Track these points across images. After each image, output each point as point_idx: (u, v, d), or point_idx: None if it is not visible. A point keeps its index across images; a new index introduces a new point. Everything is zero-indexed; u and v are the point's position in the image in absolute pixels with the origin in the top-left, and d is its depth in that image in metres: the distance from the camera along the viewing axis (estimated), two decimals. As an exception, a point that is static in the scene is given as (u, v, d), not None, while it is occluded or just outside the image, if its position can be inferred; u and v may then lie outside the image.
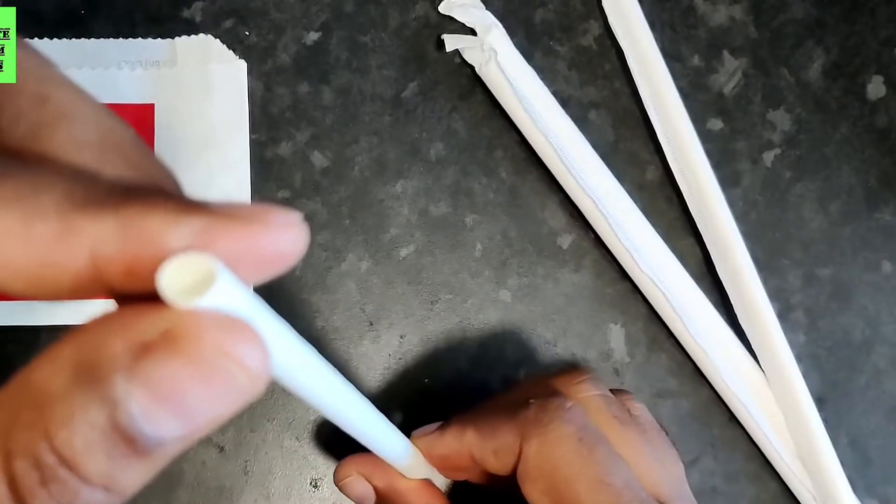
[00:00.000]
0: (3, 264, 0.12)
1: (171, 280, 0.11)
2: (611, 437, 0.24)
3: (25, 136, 0.13)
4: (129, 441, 0.11)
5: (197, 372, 0.11)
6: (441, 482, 0.28)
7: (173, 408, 0.11)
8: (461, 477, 0.28)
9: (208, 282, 0.11)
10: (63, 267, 0.12)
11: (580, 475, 0.23)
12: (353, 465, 0.27)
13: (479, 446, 0.25)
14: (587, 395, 0.26)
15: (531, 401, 0.25)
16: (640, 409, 0.27)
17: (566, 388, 0.26)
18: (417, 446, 0.27)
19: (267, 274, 0.13)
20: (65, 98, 0.14)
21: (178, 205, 0.12)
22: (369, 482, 0.27)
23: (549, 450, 0.23)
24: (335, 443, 0.32)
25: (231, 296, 0.12)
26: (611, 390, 0.28)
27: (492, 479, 0.27)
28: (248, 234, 0.12)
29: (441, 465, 0.27)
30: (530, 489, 0.24)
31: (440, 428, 0.27)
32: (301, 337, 0.16)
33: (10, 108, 0.13)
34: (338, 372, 0.19)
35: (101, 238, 0.12)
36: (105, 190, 0.12)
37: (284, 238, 0.12)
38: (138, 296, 0.12)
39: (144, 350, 0.11)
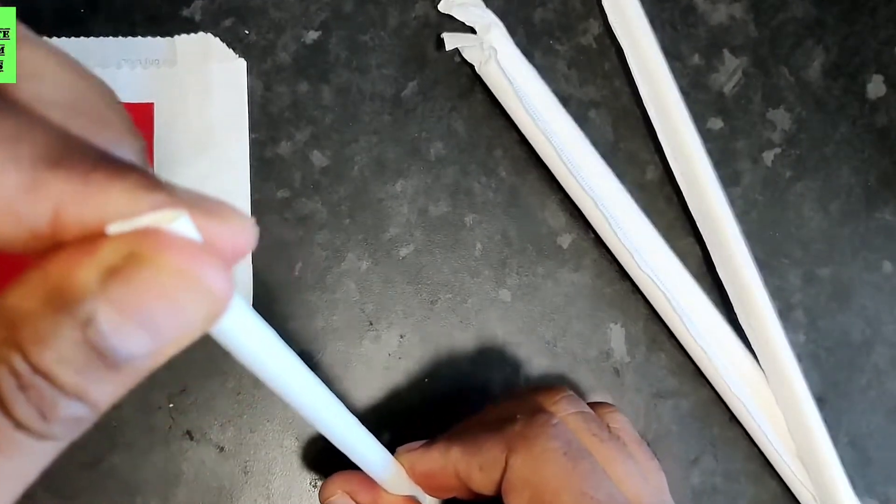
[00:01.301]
0: None
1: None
2: (592, 452, 0.25)
3: None
4: (101, 355, 0.12)
5: (161, 290, 0.12)
6: (428, 500, 0.28)
7: (140, 324, 0.12)
8: (445, 496, 0.28)
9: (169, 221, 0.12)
10: (23, 218, 0.12)
11: (565, 488, 0.23)
12: (337, 483, 0.27)
13: (464, 462, 0.25)
14: (565, 415, 0.26)
15: (518, 416, 0.25)
16: (619, 420, 0.28)
17: (544, 407, 0.26)
18: (402, 463, 0.27)
19: None
20: (36, 58, 0.14)
21: (142, 180, 0.12)
22: (354, 500, 0.27)
23: (535, 463, 0.24)
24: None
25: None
26: (592, 403, 0.28)
27: (476, 496, 0.27)
28: (208, 223, 0.13)
29: (425, 482, 0.27)
30: (516, 500, 0.24)
31: (425, 445, 0.27)
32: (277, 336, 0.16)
33: None
34: (313, 375, 0.19)
35: (65, 198, 0.12)
36: (80, 152, 0.12)
37: (237, 235, 0.13)
38: None
39: (111, 273, 0.12)
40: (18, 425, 0.12)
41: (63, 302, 0.12)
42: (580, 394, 0.33)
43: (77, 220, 0.12)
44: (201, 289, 0.12)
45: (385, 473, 0.26)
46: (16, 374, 0.12)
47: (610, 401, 0.33)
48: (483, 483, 0.25)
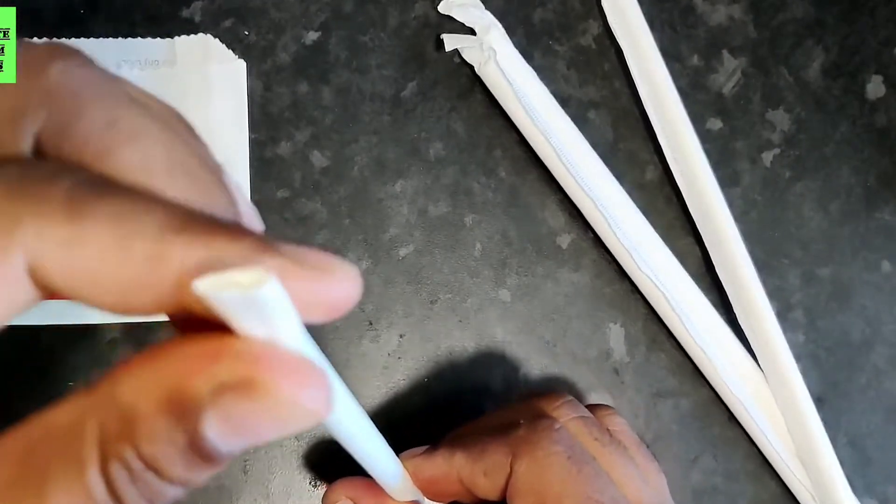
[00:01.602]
0: (96, 280, 0.13)
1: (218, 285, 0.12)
2: (594, 457, 0.25)
3: (94, 158, 0.14)
4: (205, 456, 0.13)
5: (267, 413, 0.13)
6: None
7: (243, 435, 0.13)
8: (448, 500, 0.28)
9: (258, 284, 0.12)
10: (150, 288, 0.13)
11: (569, 493, 0.23)
12: (341, 489, 0.27)
13: (468, 468, 0.25)
14: (567, 420, 0.26)
15: (521, 421, 0.25)
16: (619, 423, 0.28)
17: (545, 412, 0.27)
18: (406, 468, 0.27)
19: (322, 318, 0.14)
20: (134, 120, 0.15)
21: (257, 242, 0.13)
22: None
23: (539, 468, 0.24)
24: (335, 444, 0.32)
25: (279, 300, 0.12)
26: (590, 406, 0.28)
27: (479, 502, 0.27)
28: (315, 279, 0.13)
29: (429, 488, 0.27)
30: None
31: (428, 450, 0.27)
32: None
33: (79, 132, 0.14)
34: (341, 381, 0.19)
35: (189, 265, 0.13)
36: (196, 220, 0.13)
37: (346, 288, 0.14)
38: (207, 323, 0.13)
39: (224, 389, 0.13)
40: None
41: (178, 408, 0.12)
42: (580, 394, 0.33)
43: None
44: (304, 410, 0.13)
45: (394, 481, 0.26)
46: (129, 469, 0.13)
47: (609, 401, 0.33)
48: (487, 489, 0.25)
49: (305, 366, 0.13)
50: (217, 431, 0.13)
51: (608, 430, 0.27)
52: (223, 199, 0.15)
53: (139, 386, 0.13)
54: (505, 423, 0.26)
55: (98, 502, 0.13)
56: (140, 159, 0.14)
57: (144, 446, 0.13)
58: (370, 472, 0.24)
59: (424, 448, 0.27)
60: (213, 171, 0.16)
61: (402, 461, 0.27)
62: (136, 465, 0.13)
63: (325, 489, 0.32)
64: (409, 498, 0.27)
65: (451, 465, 0.26)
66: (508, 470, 0.24)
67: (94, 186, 0.13)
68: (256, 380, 0.13)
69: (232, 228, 0.13)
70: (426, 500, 0.27)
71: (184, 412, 0.13)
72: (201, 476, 0.14)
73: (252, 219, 0.17)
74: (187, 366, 0.13)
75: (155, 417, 0.12)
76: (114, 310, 0.14)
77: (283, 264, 0.13)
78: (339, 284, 0.14)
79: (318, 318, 0.14)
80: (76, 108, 0.14)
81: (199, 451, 0.13)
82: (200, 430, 0.13)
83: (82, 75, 0.15)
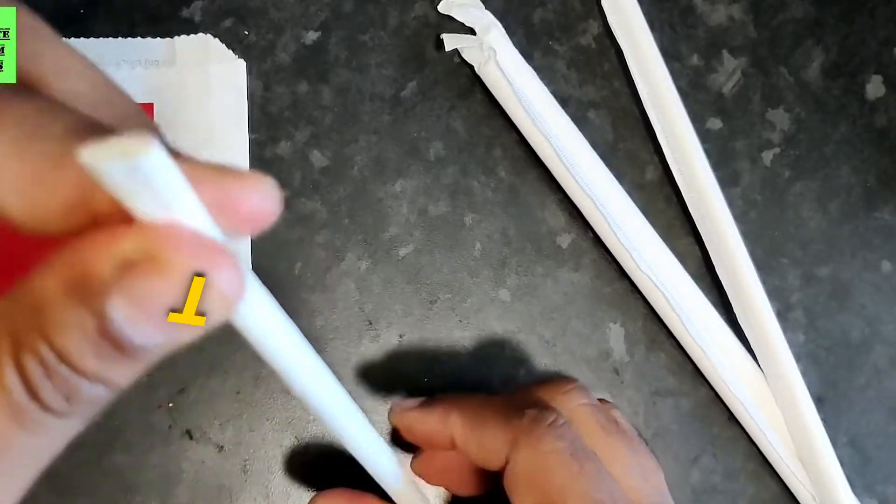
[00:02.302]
0: (2, 178, 0.13)
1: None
2: (598, 445, 0.25)
3: (24, 83, 0.15)
4: (116, 344, 0.13)
5: (173, 290, 0.12)
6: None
7: (151, 319, 0.13)
8: (446, 484, 0.28)
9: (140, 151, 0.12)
10: (55, 188, 0.13)
11: (571, 489, 0.23)
12: (322, 500, 0.27)
13: (463, 435, 0.25)
14: (575, 405, 0.26)
15: (526, 411, 0.25)
16: (620, 417, 0.28)
17: (554, 397, 0.27)
18: (399, 419, 0.27)
19: (238, 230, 0.14)
20: (60, 54, 0.16)
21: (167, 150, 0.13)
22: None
23: (541, 461, 0.24)
24: (334, 445, 0.32)
25: (165, 170, 0.12)
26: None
27: (478, 488, 0.27)
28: (224, 182, 0.13)
29: (421, 442, 0.27)
30: (521, 499, 0.24)
31: (423, 405, 0.27)
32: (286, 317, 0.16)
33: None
34: (327, 370, 0.19)
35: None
36: (101, 129, 0.13)
37: (259, 199, 0.13)
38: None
39: (128, 268, 0.12)
40: (45, 408, 0.13)
41: (82, 291, 0.12)
42: (579, 393, 0.33)
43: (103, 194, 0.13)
44: (213, 291, 0.13)
45: (396, 483, 0.25)
46: (42, 363, 0.13)
47: (609, 399, 0.33)
48: (479, 458, 0.25)
49: (211, 244, 0.13)
50: (123, 313, 0.12)
51: (615, 419, 0.27)
52: (143, 127, 0.16)
53: (46, 277, 0.13)
54: (509, 405, 0.26)
55: (14, 397, 0.13)
56: (69, 89, 0.15)
57: (55, 336, 0.12)
58: (367, 468, 0.24)
59: (418, 400, 0.27)
60: (141, 115, 0.16)
61: (394, 413, 0.27)
62: (50, 357, 0.13)
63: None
64: (413, 500, 0.27)
65: (445, 425, 0.26)
66: (504, 455, 0.24)
67: (15, 91, 0.14)
68: (159, 255, 0.12)
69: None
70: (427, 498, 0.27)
71: (88, 294, 0.12)
72: (118, 371, 0.13)
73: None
74: (91, 249, 0.13)
75: (61, 303, 0.12)
76: (23, 219, 0.13)
77: (191, 168, 0.13)
78: (250, 192, 0.13)
79: (233, 228, 0.13)
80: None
81: (110, 339, 0.13)
82: (107, 312, 0.12)
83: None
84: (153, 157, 0.11)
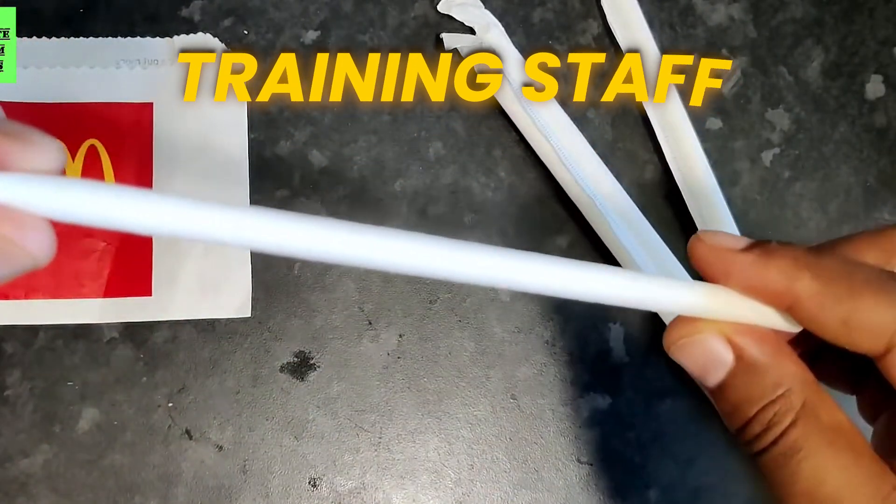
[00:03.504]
0: None
1: None
2: None
3: None
4: None
5: None
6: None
7: None
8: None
9: None
10: None
11: None
12: (700, 319, 0.20)
13: (819, 304, 0.19)
14: None
15: None
16: None
17: None
18: (711, 257, 0.20)
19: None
20: None
21: None
22: (730, 341, 0.20)
23: None
24: (333, 444, 0.32)
25: None
26: None
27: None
28: (7, 149, 0.15)
29: (734, 285, 0.20)
30: None
31: (759, 250, 0.19)
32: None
33: None
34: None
35: None
36: None
37: (43, 160, 0.16)
38: None
39: None
40: None
41: None
42: (578, 394, 0.33)
43: None
44: (20, 249, 0.16)
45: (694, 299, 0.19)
46: None
47: (608, 401, 0.33)
48: (839, 336, 0.19)
49: (10, 214, 0.15)
50: None
51: None
52: None
53: None
54: (882, 275, 0.19)
55: None
56: None
57: None
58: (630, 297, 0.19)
59: (745, 240, 0.20)
60: None
61: (707, 244, 0.20)
62: None
63: (323, 488, 0.32)
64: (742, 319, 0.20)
65: (790, 286, 0.19)
66: (887, 339, 0.18)
67: None
68: None
69: None
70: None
71: None
72: None
73: None
74: None
75: None
76: None
77: None
78: (37, 153, 0.16)
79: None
80: None
81: None
82: None
83: None
84: None
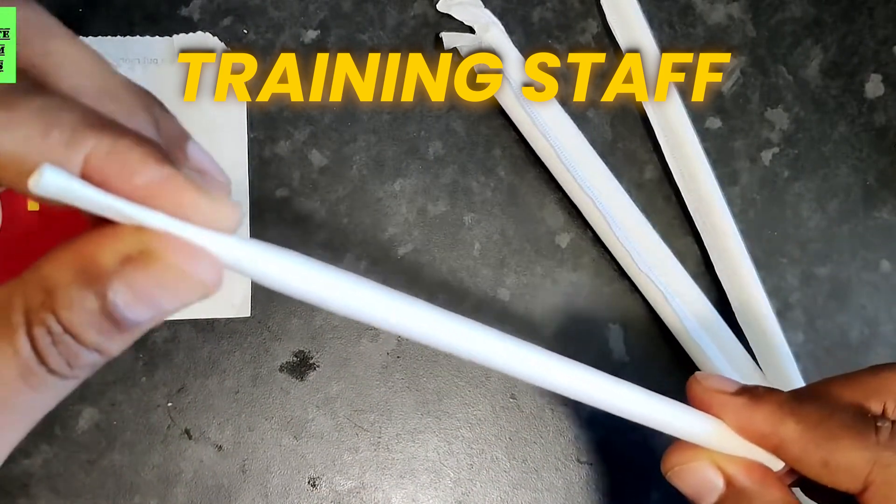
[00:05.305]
0: (21, 159, 0.15)
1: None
2: None
3: (38, 79, 0.17)
4: (114, 321, 0.16)
5: (164, 280, 0.16)
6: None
7: (146, 302, 0.16)
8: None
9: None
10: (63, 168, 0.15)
11: None
12: (695, 447, 0.23)
13: (801, 448, 0.21)
14: None
15: (878, 422, 0.21)
16: None
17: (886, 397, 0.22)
18: (708, 399, 0.22)
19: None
20: (69, 51, 0.18)
21: (158, 152, 0.16)
22: (721, 470, 0.22)
23: None
24: (332, 444, 0.32)
25: (66, 185, 0.15)
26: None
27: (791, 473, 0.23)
28: (189, 203, 0.16)
29: (730, 425, 0.22)
30: None
31: (749, 395, 0.22)
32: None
33: (22, 59, 0.17)
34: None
35: (95, 151, 0.15)
36: (107, 122, 0.16)
37: (224, 220, 0.16)
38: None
39: (127, 261, 0.16)
40: (50, 370, 0.16)
41: (89, 278, 0.15)
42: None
43: (101, 167, 0.15)
44: (195, 280, 0.16)
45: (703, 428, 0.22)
46: (51, 333, 0.15)
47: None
48: (821, 476, 0.21)
49: (192, 246, 0.16)
50: (123, 298, 0.15)
51: None
52: (145, 123, 0.18)
53: (57, 264, 0.16)
54: (855, 410, 0.21)
55: (25, 360, 0.16)
56: (73, 85, 0.17)
57: (62, 312, 0.15)
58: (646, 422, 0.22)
59: (735, 383, 0.23)
60: (145, 105, 0.18)
61: (703, 387, 0.22)
62: (56, 328, 0.15)
63: (323, 488, 0.32)
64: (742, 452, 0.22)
65: (775, 430, 0.21)
66: (864, 478, 0.20)
67: (28, 87, 0.16)
68: (154, 250, 0.16)
69: (138, 135, 0.16)
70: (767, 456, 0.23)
71: (94, 280, 0.15)
72: (113, 343, 0.16)
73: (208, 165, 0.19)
74: (96, 243, 0.16)
75: (70, 287, 0.15)
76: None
77: (172, 179, 0.16)
78: (217, 214, 0.16)
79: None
80: (23, 39, 0.18)
81: (110, 317, 0.16)
82: (109, 296, 0.15)
83: (25, 15, 0.18)
84: (44, 183, 0.14)
